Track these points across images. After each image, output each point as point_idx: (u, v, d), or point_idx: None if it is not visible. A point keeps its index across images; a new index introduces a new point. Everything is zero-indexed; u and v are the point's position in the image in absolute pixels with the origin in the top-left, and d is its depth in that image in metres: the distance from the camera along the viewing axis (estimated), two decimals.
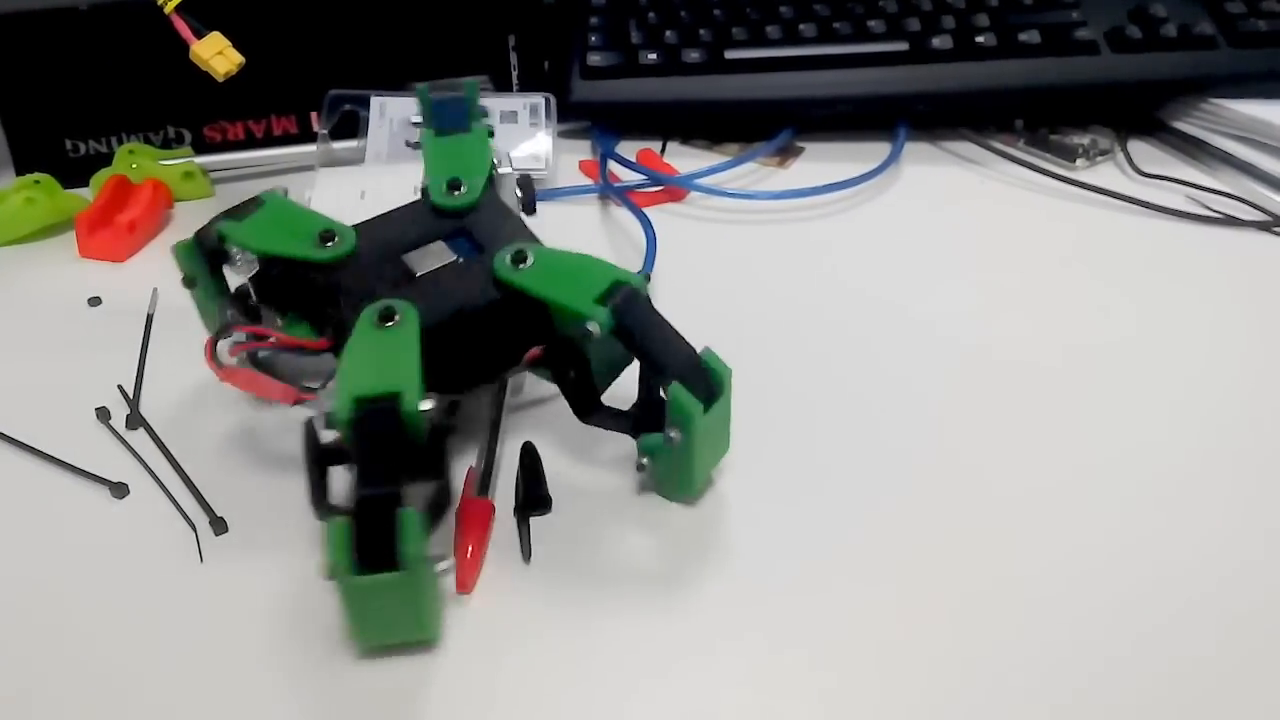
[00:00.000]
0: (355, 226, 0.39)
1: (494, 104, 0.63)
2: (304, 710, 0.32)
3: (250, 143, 0.65)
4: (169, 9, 0.52)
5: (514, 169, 0.44)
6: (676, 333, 0.37)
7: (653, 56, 0.66)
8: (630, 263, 0.52)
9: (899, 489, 0.40)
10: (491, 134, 0.45)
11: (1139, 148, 0.65)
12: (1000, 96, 0.65)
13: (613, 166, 0.64)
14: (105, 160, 0.61)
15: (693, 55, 0.66)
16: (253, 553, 0.37)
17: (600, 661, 0.33)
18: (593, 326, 0.35)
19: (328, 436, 0.33)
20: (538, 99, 0.63)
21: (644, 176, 0.62)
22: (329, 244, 0.38)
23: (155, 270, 0.54)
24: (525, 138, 0.62)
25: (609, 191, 0.61)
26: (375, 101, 0.63)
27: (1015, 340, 0.48)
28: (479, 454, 0.40)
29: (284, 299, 0.40)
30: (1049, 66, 0.64)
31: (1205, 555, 0.37)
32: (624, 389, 0.39)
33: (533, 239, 0.40)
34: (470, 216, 0.41)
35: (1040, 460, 0.41)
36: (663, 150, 0.67)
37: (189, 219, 0.60)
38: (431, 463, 0.33)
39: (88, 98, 0.62)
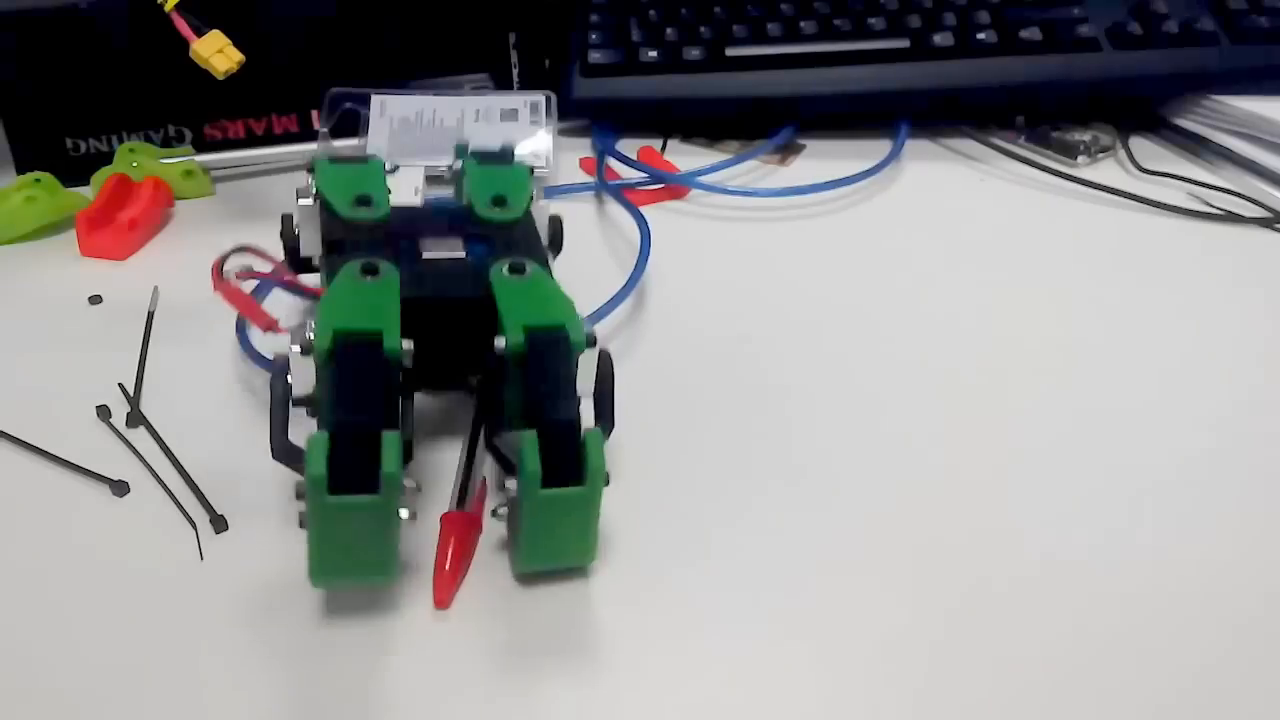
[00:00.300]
0: (395, 207, 0.41)
1: (495, 101, 0.63)
2: (304, 707, 0.32)
3: (251, 141, 0.65)
4: (169, 7, 0.52)
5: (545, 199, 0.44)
6: (574, 396, 0.34)
7: (653, 54, 0.66)
8: (625, 260, 0.52)
9: (899, 486, 0.40)
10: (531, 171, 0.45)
11: (1140, 144, 0.65)
12: (1001, 93, 0.65)
13: (614, 164, 0.64)
14: (106, 159, 0.61)
15: (693, 53, 0.66)
16: (253, 551, 0.37)
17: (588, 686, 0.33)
18: (500, 342, 0.34)
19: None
20: (538, 97, 0.63)
21: (643, 174, 0.62)
22: (363, 208, 0.40)
23: (156, 268, 0.54)
24: (526, 135, 0.62)
25: (605, 189, 0.61)
26: (376, 100, 0.63)
27: (1016, 337, 0.48)
28: (458, 467, 0.40)
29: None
30: (1050, 63, 0.64)
31: (1209, 551, 0.37)
32: None
33: (545, 266, 0.39)
34: (502, 232, 0.41)
35: (1040, 457, 0.41)
36: (663, 148, 0.67)
37: (190, 217, 0.60)
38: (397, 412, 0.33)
39: (88, 96, 0.62)
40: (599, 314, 0.47)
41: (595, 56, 0.67)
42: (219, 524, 0.38)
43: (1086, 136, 0.64)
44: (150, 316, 0.50)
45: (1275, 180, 0.59)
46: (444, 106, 0.63)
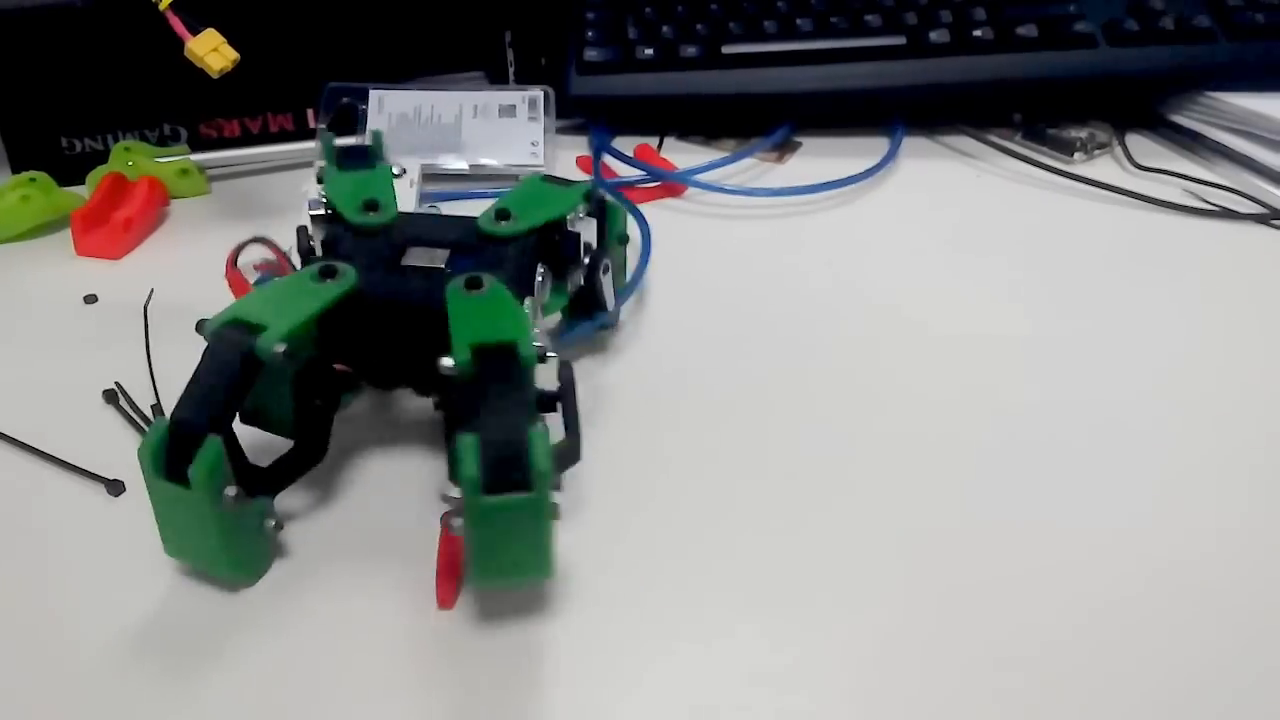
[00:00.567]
0: (406, 213, 0.42)
1: (492, 97, 0.63)
2: (311, 711, 0.32)
3: (246, 139, 0.65)
4: (164, 6, 0.52)
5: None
6: (522, 411, 0.33)
7: (649, 52, 0.66)
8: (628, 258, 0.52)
9: (898, 483, 0.40)
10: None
11: (1136, 141, 0.65)
12: (998, 90, 0.65)
13: (611, 162, 0.64)
14: (101, 158, 0.61)
15: (689, 50, 0.66)
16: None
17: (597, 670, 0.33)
18: (447, 362, 0.34)
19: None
20: (536, 93, 0.63)
21: (640, 172, 0.62)
22: (371, 213, 0.41)
23: (151, 268, 0.54)
24: (523, 132, 0.62)
25: (603, 187, 0.60)
26: (374, 95, 0.62)
27: (1013, 335, 0.48)
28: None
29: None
30: (1046, 60, 0.64)
31: (1204, 549, 0.37)
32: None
33: (524, 286, 0.39)
34: (498, 247, 0.40)
35: (1034, 453, 0.41)
36: (660, 145, 0.66)
37: (185, 216, 0.60)
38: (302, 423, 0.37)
39: (83, 95, 0.61)
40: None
41: (591, 54, 0.67)
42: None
43: (1083, 133, 0.64)
44: (145, 315, 0.50)
45: (1272, 177, 0.59)
46: (442, 102, 0.63)
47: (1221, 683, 0.32)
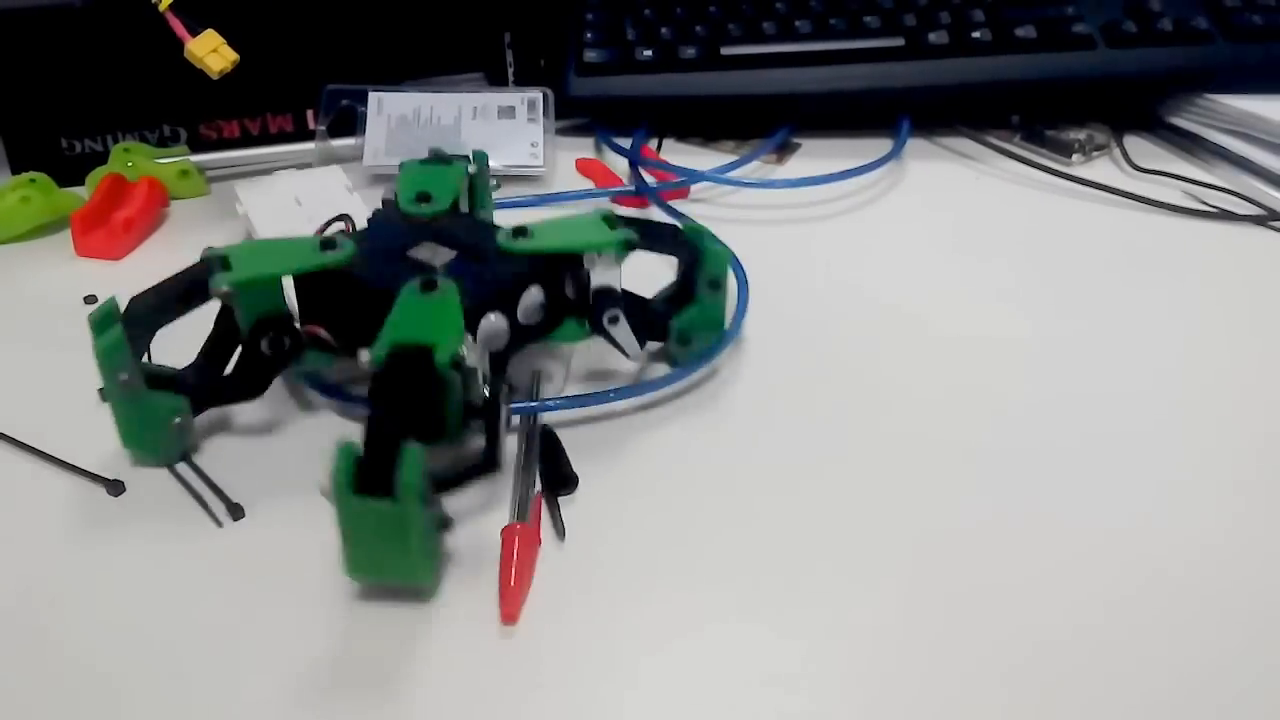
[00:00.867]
0: (459, 213, 0.46)
1: (492, 99, 0.63)
2: (307, 713, 0.32)
3: (246, 140, 0.65)
4: (163, 7, 0.52)
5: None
6: (428, 414, 0.35)
7: (648, 53, 0.66)
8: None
9: (896, 483, 0.40)
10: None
11: (1135, 143, 0.65)
12: (996, 92, 0.65)
13: (611, 163, 0.64)
14: (101, 159, 0.61)
15: (688, 51, 0.66)
16: (275, 542, 0.37)
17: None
18: (364, 354, 0.37)
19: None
20: (535, 94, 0.63)
21: (634, 177, 0.62)
22: (421, 204, 0.44)
23: (151, 268, 0.54)
24: (522, 133, 0.62)
25: (647, 194, 0.60)
26: (373, 96, 0.62)
27: (1010, 334, 0.48)
28: (514, 482, 0.39)
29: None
30: (1045, 62, 0.64)
31: (1204, 548, 0.37)
32: None
33: (498, 308, 0.39)
34: (502, 266, 0.41)
35: (1033, 454, 0.41)
36: (659, 146, 0.67)
37: (185, 217, 0.60)
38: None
39: (83, 96, 0.61)
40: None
41: (590, 55, 0.67)
42: (236, 512, 0.38)
43: (1081, 135, 0.65)
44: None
45: (1269, 178, 0.59)
46: (441, 104, 0.63)
47: (1224, 683, 0.32)
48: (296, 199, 0.55)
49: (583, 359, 0.46)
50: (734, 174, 0.61)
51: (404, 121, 0.62)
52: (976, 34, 0.64)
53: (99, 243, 0.55)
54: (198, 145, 0.64)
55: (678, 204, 0.60)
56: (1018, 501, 0.39)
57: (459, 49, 0.66)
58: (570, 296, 0.42)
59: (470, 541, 0.37)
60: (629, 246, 0.42)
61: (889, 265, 0.54)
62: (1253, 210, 0.58)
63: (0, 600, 0.36)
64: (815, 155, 0.65)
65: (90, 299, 0.51)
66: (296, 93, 0.64)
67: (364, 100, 0.62)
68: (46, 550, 0.38)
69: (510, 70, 0.68)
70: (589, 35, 0.68)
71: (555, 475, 0.40)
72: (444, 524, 0.36)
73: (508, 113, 0.63)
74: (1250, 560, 0.36)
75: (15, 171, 0.61)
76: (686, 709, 0.32)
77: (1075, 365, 0.46)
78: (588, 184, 0.62)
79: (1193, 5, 0.65)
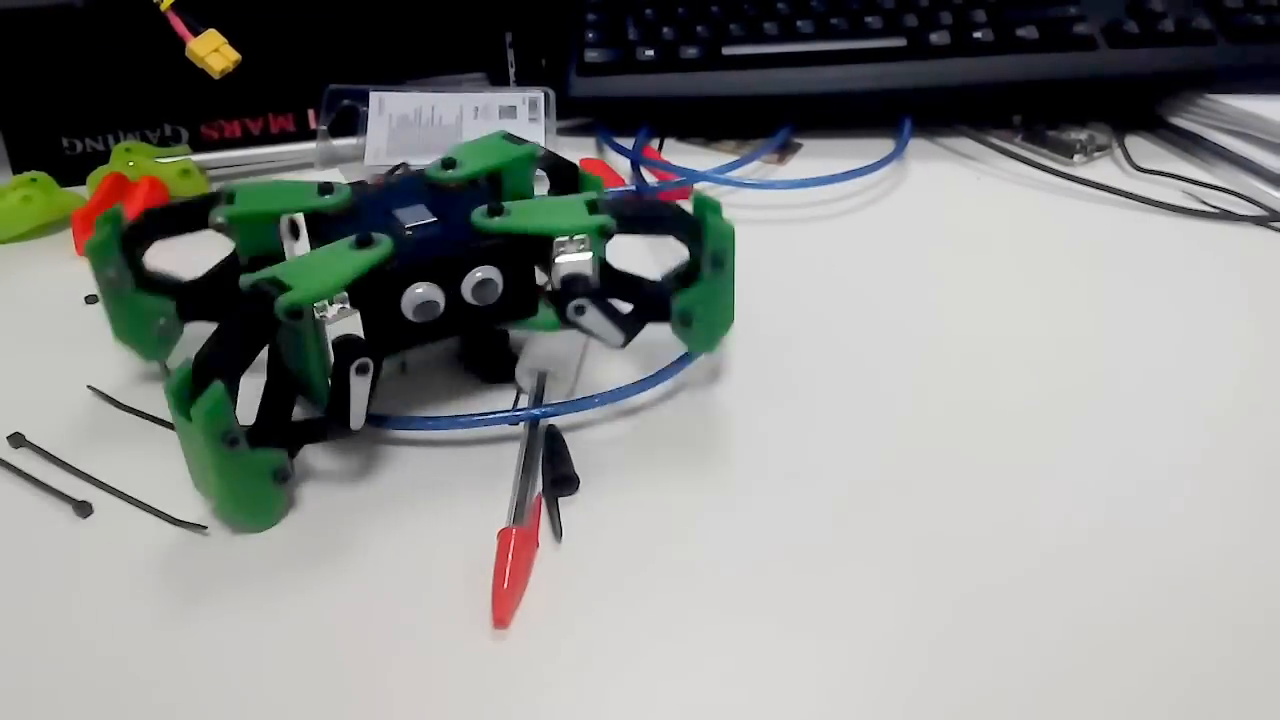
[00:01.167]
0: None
1: (493, 98, 0.63)
2: (289, 712, 0.32)
3: (247, 140, 0.65)
4: (165, 6, 0.52)
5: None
6: (228, 346, 0.36)
7: (650, 53, 0.66)
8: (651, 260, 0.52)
9: (898, 479, 0.40)
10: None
11: (1136, 143, 0.65)
12: (998, 92, 0.65)
13: (613, 163, 0.64)
14: (102, 158, 0.61)
15: (690, 51, 0.66)
16: (233, 557, 0.37)
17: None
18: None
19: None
20: (537, 93, 0.63)
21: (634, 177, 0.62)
22: (446, 170, 0.43)
23: (150, 267, 0.54)
24: (523, 133, 0.62)
25: (649, 193, 0.60)
26: (374, 96, 0.62)
27: (1011, 335, 0.48)
28: (514, 482, 0.39)
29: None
30: (1046, 62, 0.64)
31: (1202, 548, 0.37)
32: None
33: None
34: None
35: (1034, 452, 0.41)
36: (660, 146, 0.67)
37: None
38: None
39: (84, 96, 0.61)
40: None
41: (591, 55, 0.67)
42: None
43: (1083, 135, 0.65)
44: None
45: (1271, 179, 0.59)
46: (443, 103, 0.63)
47: (1232, 687, 0.32)
48: None
49: (594, 360, 0.46)
50: (735, 174, 0.61)
51: (405, 121, 0.62)
52: (978, 34, 0.64)
53: None
54: (199, 145, 0.64)
55: (681, 205, 0.60)
56: (1015, 500, 0.39)
57: (460, 49, 0.66)
58: (543, 284, 0.41)
59: (469, 544, 0.37)
60: (605, 233, 0.40)
61: (890, 265, 0.54)
62: (1254, 211, 0.58)
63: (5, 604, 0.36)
64: (817, 155, 0.65)
65: (91, 298, 0.51)
66: (298, 92, 0.64)
67: (365, 100, 0.62)
68: (46, 549, 0.38)
69: (511, 70, 0.68)
70: (590, 35, 0.68)
71: (556, 476, 0.40)
72: (280, 475, 0.37)
73: (509, 113, 0.63)
74: (1251, 560, 0.36)
75: (17, 171, 0.61)
76: (677, 714, 0.32)
77: (1075, 365, 0.46)
78: None
79: (1194, 5, 0.65)
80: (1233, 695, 0.32)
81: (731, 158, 0.63)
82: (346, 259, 0.37)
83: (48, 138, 0.62)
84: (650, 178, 0.61)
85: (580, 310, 0.40)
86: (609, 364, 0.46)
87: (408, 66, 0.65)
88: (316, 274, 0.37)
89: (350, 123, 0.62)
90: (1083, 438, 0.42)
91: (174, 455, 0.41)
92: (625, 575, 0.36)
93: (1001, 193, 0.61)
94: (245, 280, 0.37)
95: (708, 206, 0.42)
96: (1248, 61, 0.63)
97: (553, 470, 0.40)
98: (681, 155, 0.65)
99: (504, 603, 0.34)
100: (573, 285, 0.40)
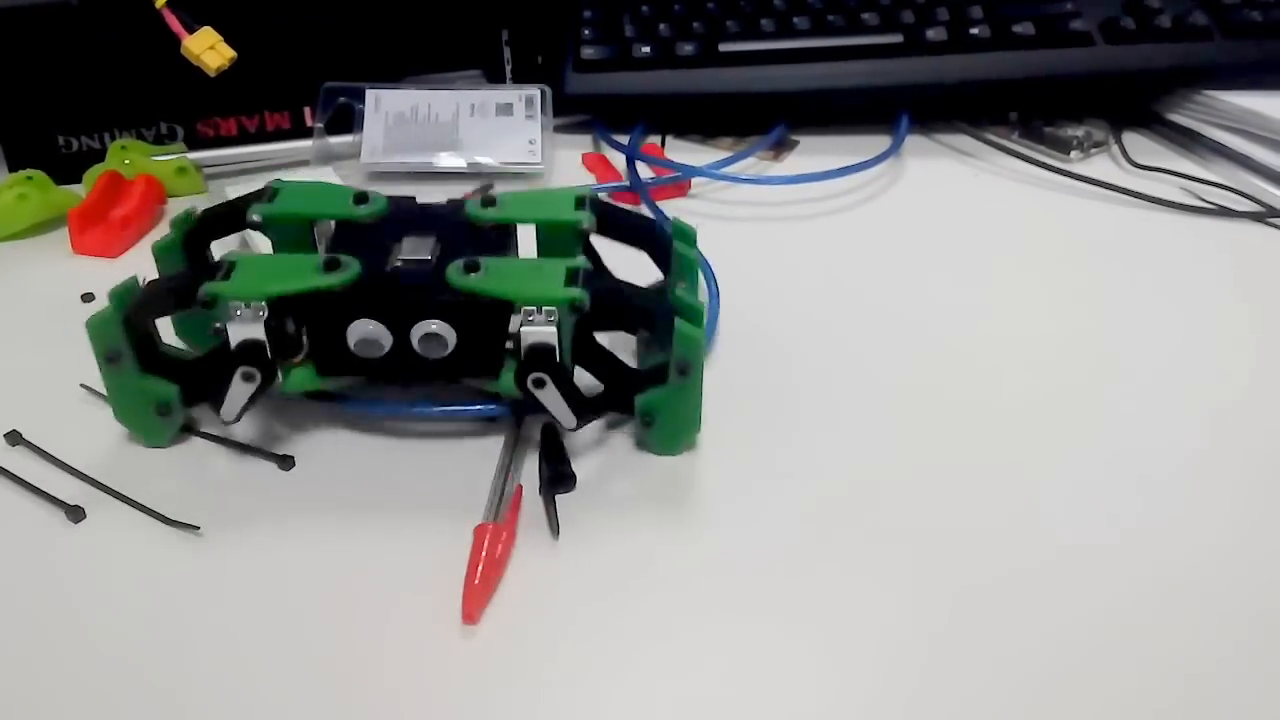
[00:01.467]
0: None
1: (489, 96, 0.63)
2: (257, 710, 0.32)
3: (243, 138, 0.65)
4: (160, 4, 0.52)
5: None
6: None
7: (646, 49, 0.66)
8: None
9: (898, 479, 0.40)
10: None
11: (1133, 140, 0.65)
12: (995, 88, 0.65)
13: (613, 160, 0.64)
14: (98, 156, 0.61)
15: (686, 48, 0.66)
16: (225, 559, 0.37)
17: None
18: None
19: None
20: (533, 91, 0.63)
21: (634, 174, 0.62)
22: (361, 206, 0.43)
23: (148, 266, 0.54)
24: (520, 130, 0.62)
25: (638, 190, 0.60)
26: (370, 94, 0.62)
27: (1009, 332, 0.48)
28: (494, 478, 0.39)
29: None
30: (1043, 58, 0.64)
31: (1203, 545, 0.37)
32: None
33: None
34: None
35: (1033, 449, 0.41)
36: (662, 143, 0.67)
37: None
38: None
39: (80, 93, 0.61)
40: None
41: (588, 52, 0.66)
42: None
43: (1080, 132, 0.64)
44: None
45: (1268, 175, 0.59)
46: (439, 101, 0.63)
47: (1232, 685, 0.32)
48: None
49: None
50: (731, 170, 0.61)
51: (401, 119, 0.62)
52: (975, 30, 0.64)
53: (96, 240, 0.55)
54: (195, 143, 0.64)
55: (677, 201, 0.60)
56: (1014, 500, 0.39)
57: (457, 46, 0.66)
58: (509, 347, 0.39)
59: (446, 540, 0.37)
60: (576, 309, 0.38)
61: (887, 262, 0.54)
62: (1251, 207, 0.58)
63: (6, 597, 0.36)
64: (813, 152, 0.65)
65: (88, 296, 0.51)
66: (294, 90, 0.64)
67: (361, 98, 0.62)
68: (45, 547, 0.38)
69: (508, 67, 0.68)
70: (587, 32, 0.68)
71: (553, 473, 0.40)
72: (162, 409, 0.40)
73: (505, 110, 0.63)
74: (1251, 559, 0.36)
75: (12, 169, 0.61)
76: (676, 713, 0.32)
77: (1073, 362, 0.46)
78: (586, 181, 0.62)
79: (1191, 2, 0.65)
80: (1233, 693, 0.32)
81: (728, 154, 0.63)
82: (298, 274, 0.38)
83: (43, 135, 0.62)
84: (648, 173, 0.61)
85: (540, 384, 0.39)
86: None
87: (404, 64, 0.65)
88: (259, 276, 0.38)
89: (346, 120, 0.62)
90: (1080, 434, 0.42)
91: (167, 454, 0.41)
92: (621, 574, 0.36)
93: (998, 189, 0.61)
94: (227, 256, 0.39)
95: (686, 237, 0.44)
96: (1245, 58, 0.63)
97: (550, 468, 0.40)
98: (678, 151, 0.65)
99: (474, 599, 0.34)
100: (537, 357, 0.38)
